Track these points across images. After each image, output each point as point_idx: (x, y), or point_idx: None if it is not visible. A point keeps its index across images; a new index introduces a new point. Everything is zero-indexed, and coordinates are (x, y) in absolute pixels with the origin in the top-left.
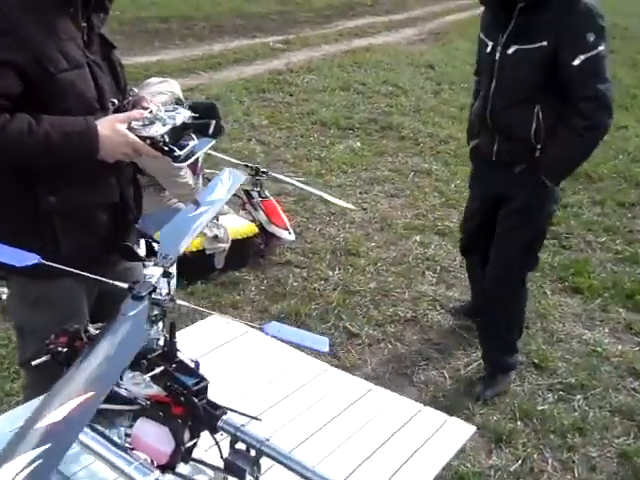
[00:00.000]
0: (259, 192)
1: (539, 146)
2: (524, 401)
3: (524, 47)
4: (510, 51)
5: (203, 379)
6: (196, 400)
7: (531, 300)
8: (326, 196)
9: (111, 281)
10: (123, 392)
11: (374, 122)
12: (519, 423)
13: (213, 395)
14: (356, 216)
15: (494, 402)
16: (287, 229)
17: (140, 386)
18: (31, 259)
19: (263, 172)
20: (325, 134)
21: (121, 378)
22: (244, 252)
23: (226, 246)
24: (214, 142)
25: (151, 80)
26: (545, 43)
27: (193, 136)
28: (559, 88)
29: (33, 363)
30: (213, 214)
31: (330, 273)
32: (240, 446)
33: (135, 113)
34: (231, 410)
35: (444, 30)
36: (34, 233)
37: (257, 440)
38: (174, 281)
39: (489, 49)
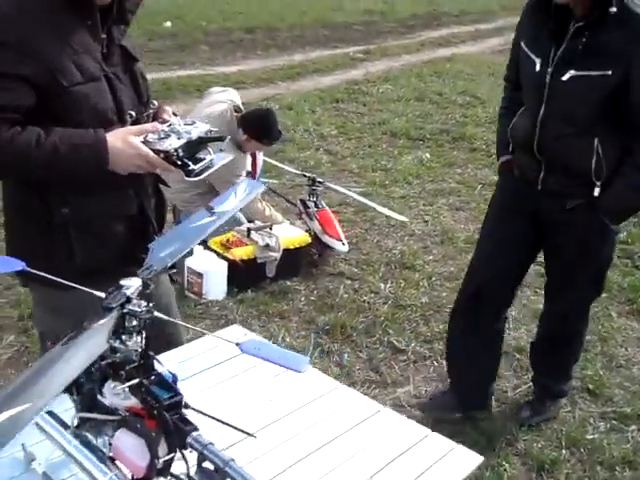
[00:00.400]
0: (315, 202)
1: (599, 183)
2: (573, 429)
3: (582, 74)
4: (565, 78)
5: (177, 394)
6: (167, 415)
7: (593, 322)
8: (380, 208)
9: (88, 289)
10: (105, 401)
11: (446, 133)
12: (565, 452)
13: (214, 409)
14: (416, 228)
15: (540, 428)
16: (341, 240)
17: (119, 396)
18: (16, 266)
19: (319, 182)
20: (394, 144)
21: (103, 387)
22: (296, 262)
23: (277, 255)
24: (231, 157)
25: (212, 89)
26: (609, 72)
27: (210, 150)
28: (622, 121)
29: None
30: (218, 225)
31: (382, 286)
32: (207, 465)
33: (149, 126)
34: (227, 425)
35: None
36: (49, 243)
37: (222, 460)
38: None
39: (537, 68)
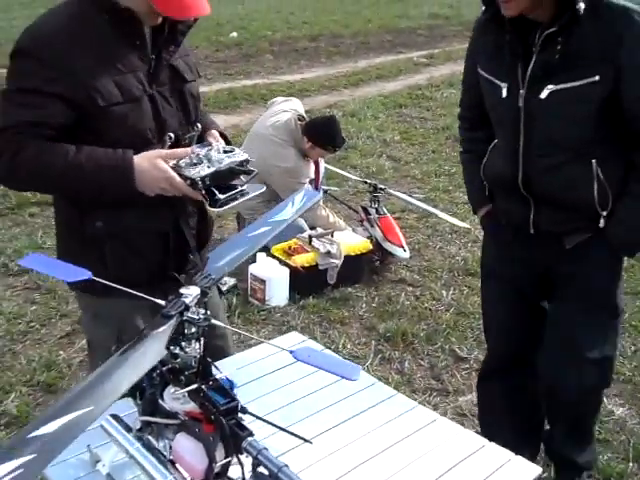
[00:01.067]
0: (377, 209)
1: (605, 213)
2: None
3: (564, 87)
4: (543, 95)
5: (233, 399)
6: (223, 420)
7: None
8: (440, 214)
9: (149, 297)
10: (166, 406)
11: None
12: (632, 464)
13: (271, 415)
14: (480, 234)
15: (607, 439)
16: (402, 246)
17: (179, 401)
18: (82, 275)
19: (381, 189)
20: (458, 149)
21: (163, 391)
22: (358, 268)
23: (339, 262)
24: (264, 189)
25: (276, 99)
26: (597, 78)
27: (243, 179)
28: (621, 132)
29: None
30: (275, 233)
31: (444, 293)
32: (262, 470)
33: (180, 151)
34: (284, 430)
35: None
36: (84, 254)
37: (275, 465)
38: (286, 296)
39: (504, 93)
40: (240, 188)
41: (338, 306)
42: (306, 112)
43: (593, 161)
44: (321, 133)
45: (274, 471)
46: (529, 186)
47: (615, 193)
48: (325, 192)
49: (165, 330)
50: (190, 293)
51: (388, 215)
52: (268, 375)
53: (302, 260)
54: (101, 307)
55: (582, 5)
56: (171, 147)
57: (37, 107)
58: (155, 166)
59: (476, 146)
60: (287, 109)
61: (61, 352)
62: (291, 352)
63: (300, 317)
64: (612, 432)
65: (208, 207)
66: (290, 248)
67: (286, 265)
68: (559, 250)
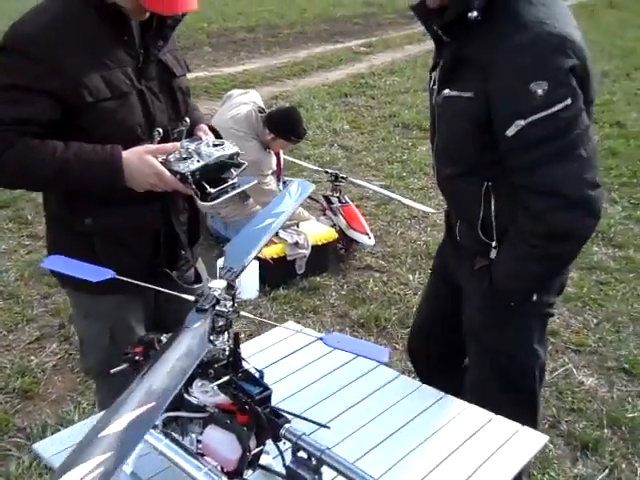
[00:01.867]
0: (339, 198)
1: (494, 243)
2: (612, 408)
3: (452, 94)
4: (440, 97)
5: (267, 388)
6: (259, 409)
7: (623, 303)
8: (405, 200)
9: (182, 295)
10: (193, 400)
11: None
12: (606, 431)
13: (284, 402)
14: (438, 219)
15: (581, 409)
16: (367, 234)
17: (208, 394)
18: (105, 274)
19: (342, 178)
20: (407, 136)
21: (190, 386)
22: (324, 257)
23: (307, 252)
24: (255, 182)
25: (233, 92)
26: (471, 94)
27: (234, 172)
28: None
29: (112, 371)
30: (280, 225)
31: (410, 277)
32: (302, 454)
33: (169, 145)
34: (301, 418)
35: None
36: (74, 251)
37: (317, 449)
38: (256, 288)
39: (431, 84)
40: (231, 181)
41: (309, 295)
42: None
43: (485, 184)
44: (283, 124)
45: (317, 454)
46: (440, 189)
47: (500, 226)
48: (284, 183)
49: (203, 324)
50: (218, 286)
51: (350, 203)
52: (276, 364)
53: (271, 252)
54: (93, 304)
55: (474, 14)
56: (160, 142)
57: (24, 104)
58: (144, 161)
59: None
60: (246, 101)
61: (33, 357)
62: (321, 339)
63: (273, 308)
64: (584, 401)
65: (199, 201)
66: None
67: (255, 258)
68: (470, 267)
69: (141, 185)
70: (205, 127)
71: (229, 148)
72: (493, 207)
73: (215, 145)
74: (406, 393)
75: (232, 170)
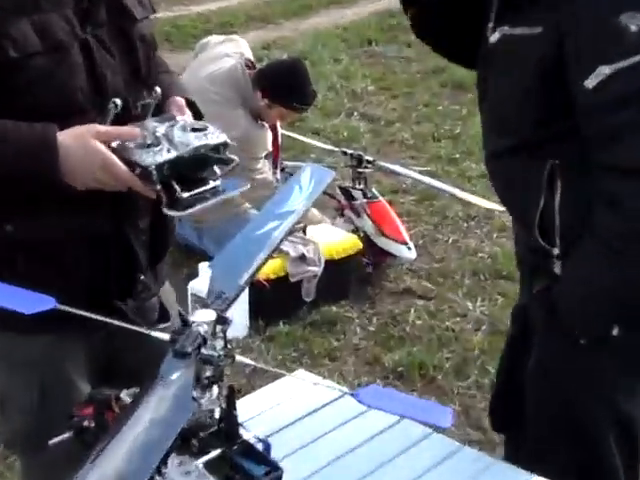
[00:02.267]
0: (363, 191)
1: (556, 251)
2: None
3: (515, 33)
4: (493, 38)
5: (276, 467)
6: None
7: None
8: (459, 193)
9: (150, 331)
10: None
11: None
12: None
13: None
14: (508, 220)
15: None
16: (405, 242)
17: (191, 476)
18: (44, 303)
19: (368, 162)
20: (461, 101)
21: (164, 465)
22: (344, 278)
23: (318, 270)
24: (248, 186)
25: (210, 40)
26: (540, 29)
27: (217, 171)
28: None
29: (50, 443)
30: (287, 230)
31: (470, 305)
32: None
33: (125, 128)
34: None
35: None
36: None
37: None
38: (245, 323)
39: (490, 25)
40: (212, 184)
41: (322, 334)
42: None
43: (549, 165)
44: (281, 84)
45: None
46: (489, 172)
47: (568, 226)
48: (283, 170)
49: (186, 373)
50: (204, 320)
51: (380, 199)
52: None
53: (266, 270)
54: (16, 348)
55: None
56: (117, 120)
57: None
58: (89, 148)
59: None
60: (229, 53)
61: None
62: (352, 394)
63: (270, 352)
64: None
65: (164, 209)
66: None
67: None
68: (529, 292)
69: (83, 181)
70: (181, 101)
71: (214, 135)
72: (558, 198)
73: (195, 130)
74: (473, 471)
75: (215, 168)
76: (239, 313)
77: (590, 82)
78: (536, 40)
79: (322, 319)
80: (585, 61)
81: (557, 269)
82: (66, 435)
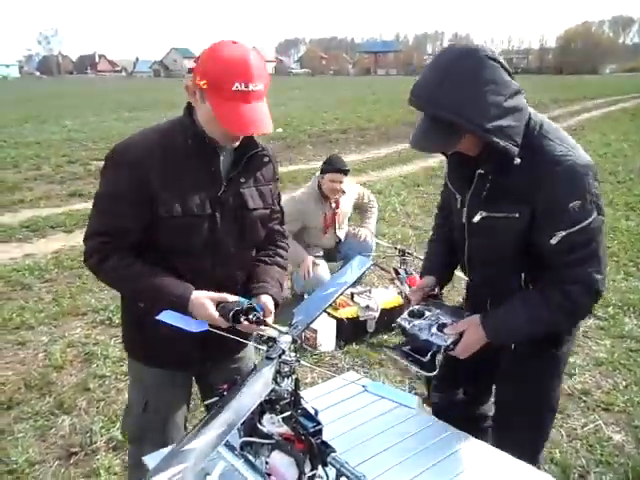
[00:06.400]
0: (405, 270)
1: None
2: (638, 463)
3: (492, 215)
4: (476, 219)
5: (319, 423)
6: (312, 439)
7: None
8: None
9: (257, 345)
10: (264, 429)
11: None
12: None
13: (329, 438)
14: None
15: (609, 462)
16: None
17: (275, 425)
18: (202, 326)
19: (408, 253)
20: None
21: (262, 418)
22: (391, 319)
23: (376, 314)
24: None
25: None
26: (517, 215)
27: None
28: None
29: (206, 402)
30: (339, 294)
31: None
32: (344, 479)
33: (224, 295)
34: None
35: (579, 126)
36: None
37: (356, 476)
38: (333, 343)
39: (459, 204)
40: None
41: (376, 351)
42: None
43: (522, 274)
44: (326, 163)
45: None
46: (472, 277)
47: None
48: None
49: (270, 369)
50: (285, 340)
51: (415, 274)
52: (337, 404)
53: (346, 313)
54: (138, 373)
55: (518, 160)
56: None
57: (120, 215)
58: (202, 306)
59: (442, 231)
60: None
61: None
62: (364, 387)
63: (345, 360)
64: (612, 455)
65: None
66: (336, 303)
67: (333, 317)
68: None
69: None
70: (268, 301)
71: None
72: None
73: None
74: (439, 437)
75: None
76: (330, 337)
77: (553, 240)
78: (514, 219)
79: (377, 342)
80: (550, 230)
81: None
82: (214, 399)
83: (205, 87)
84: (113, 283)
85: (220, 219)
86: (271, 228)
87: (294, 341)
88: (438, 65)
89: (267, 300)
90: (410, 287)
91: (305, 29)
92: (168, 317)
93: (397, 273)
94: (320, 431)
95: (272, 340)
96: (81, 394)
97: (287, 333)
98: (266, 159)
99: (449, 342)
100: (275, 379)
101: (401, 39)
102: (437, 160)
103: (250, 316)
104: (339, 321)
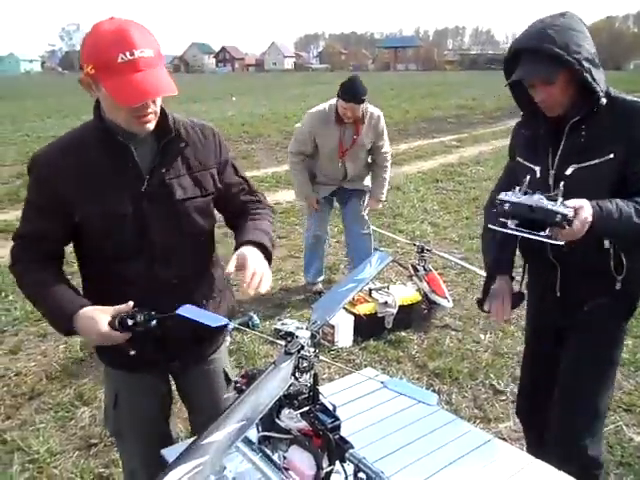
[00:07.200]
0: (424, 266)
1: (620, 277)
2: None
3: (585, 165)
4: (568, 172)
5: (337, 419)
6: (330, 435)
7: None
8: (479, 271)
9: (275, 340)
10: (282, 424)
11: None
12: None
13: (347, 434)
14: None
15: (629, 463)
16: (446, 297)
17: (293, 420)
18: (222, 321)
19: (427, 250)
20: None
21: (280, 413)
22: (409, 316)
23: (394, 311)
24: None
25: None
26: (611, 155)
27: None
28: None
29: (225, 396)
30: (359, 290)
31: (482, 337)
32: (362, 475)
33: (122, 307)
34: None
35: None
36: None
37: (374, 471)
38: (351, 339)
39: (538, 174)
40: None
41: (394, 347)
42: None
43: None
44: (344, 88)
45: (373, 476)
46: (556, 255)
47: (630, 261)
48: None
49: (289, 364)
50: (304, 335)
51: (433, 271)
52: (355, 400)
53: (364, 309)
54: (107, 374)
55: (604, 100)
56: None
57: (36, 222)
58: (91, 319)
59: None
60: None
61: None
62: (383, 383)
63: (363, 356)
64: (633, 457)
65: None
66: (354, 299)
67: (351, 313)
68: (577, 313)
69: (90, 339)
70: (243, 258)
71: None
72: (620, 248)
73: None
74: (457, 435)
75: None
76: (348, 333)
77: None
78: (611, 161)
79: (395, 339)
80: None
81: (618, 286)
82: (232, 393)
83: (93, 72)
84: (19, 287)
85: (149, 215)
86: (240, 201)
87: (313, 336)
88: (542, 19)
89: (241, 253)
90: (429, 284)
91: (324, 24)
92: (187, 311)
93: (415, 270)
94: (338, 427)
95: (291, 335)
96: (101, 386)
97: (306, 328)
98: (182, 144)
99: (571, 214)
100: (294, 374)
101: (421, 34)
102: (456, 156)
103: (138, 318)
104: (357, 317)
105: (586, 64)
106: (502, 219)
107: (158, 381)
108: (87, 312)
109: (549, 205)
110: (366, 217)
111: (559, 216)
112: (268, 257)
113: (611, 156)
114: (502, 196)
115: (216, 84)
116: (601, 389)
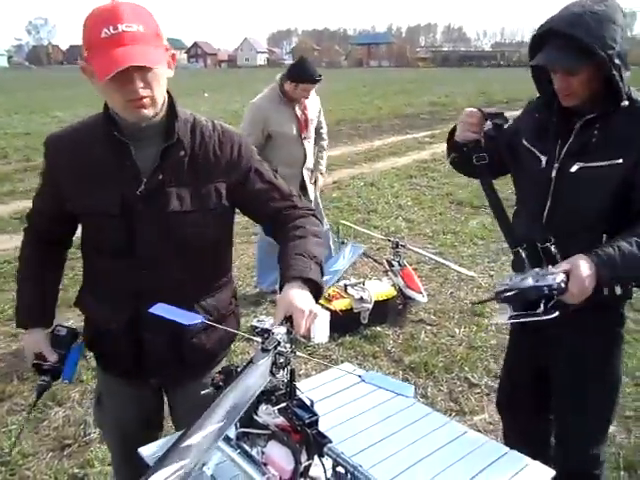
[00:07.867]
0: (399, 262)
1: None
2: (629, 453)
3: (591, 165)
4: (573, 169)
5: (315, 414)
6: (308, 430)
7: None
8: (453, 266)
9: (250, 336)
10: (260, 420)
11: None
12: (623, 473)
13: (325, 428)
14: (483, 282)
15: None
16: (421, 292)
17: (271, 416)
18: (195, 319)
19: (402, 245)
20: (460, 212)
21: (258, 409)
22: (385, 311)
23: (370, 306)
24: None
25: None
26: (620, 160)
27: None
28: (631, 212)
29: (203, 392)
30: (334, 282)
31: (457, 330)
32: (340, 469)
33: (47, 352)
34: None
35: None
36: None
37: (351, 465)
38: (327, 335)
39: (543, 164)
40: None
41: (370, 342)
42: (334, 182)
43: (604, 236)
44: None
45: (351, 470)
46: (548, 248)
47: None
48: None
49: (267, 361)
50: (280, 332)
51: (408, 267)
52: (333, 395)
53: (340, 305)
54: (97, 375)
55: (626, 103)
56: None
57: (39, 203)
58: (29, 344)
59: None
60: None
61: None
62: (361, 377)
63: (339, 352)
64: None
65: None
66: (329, 295)
67: (327, 309)
68: (564, 315)
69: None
70: (302, 313)
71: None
72: None
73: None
74: (434, 428)
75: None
76: (324, 328)
77: None
78: (619, 166)
79: (370, 334)
80: None
81: (605, 292)
82: (209, 390)
83: (86, 54)
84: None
85: (139, 219)
86: (272, 209)
87: (289, 332)
88: (583, 2)
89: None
90: (404, 279)
91: (297, 20)
92: (159, 310)
93: (390, 265)
94: (316, 422)
95: (267, 332)
96: (74, 386)
97: (281, 324)
98: (182, 153)
99: (559, 280)
100: (271, 370)
101: (394, 31)
102: (429, 152)
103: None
104: (333, 313)
105: (617, 61)
106: (501, 311)
107: (142, 392)
108: (31, 335)
109: (529, 283)
110: (322, 212)
111: (545, 289)
112: (318, 290)
113: (620, 161)
114: (498, 288)
115: (188, 80)
116: (605, 388)
